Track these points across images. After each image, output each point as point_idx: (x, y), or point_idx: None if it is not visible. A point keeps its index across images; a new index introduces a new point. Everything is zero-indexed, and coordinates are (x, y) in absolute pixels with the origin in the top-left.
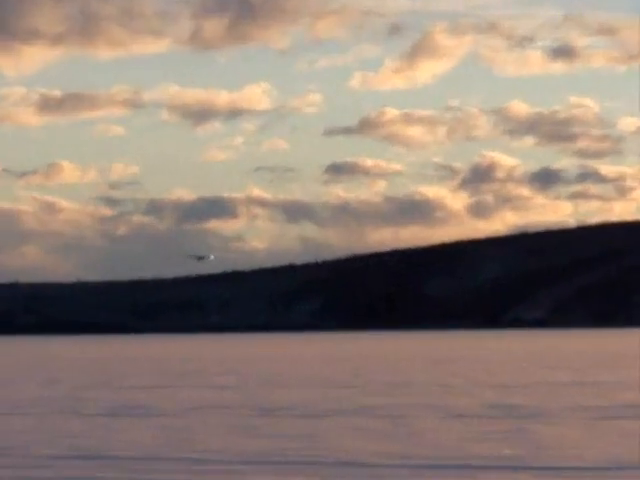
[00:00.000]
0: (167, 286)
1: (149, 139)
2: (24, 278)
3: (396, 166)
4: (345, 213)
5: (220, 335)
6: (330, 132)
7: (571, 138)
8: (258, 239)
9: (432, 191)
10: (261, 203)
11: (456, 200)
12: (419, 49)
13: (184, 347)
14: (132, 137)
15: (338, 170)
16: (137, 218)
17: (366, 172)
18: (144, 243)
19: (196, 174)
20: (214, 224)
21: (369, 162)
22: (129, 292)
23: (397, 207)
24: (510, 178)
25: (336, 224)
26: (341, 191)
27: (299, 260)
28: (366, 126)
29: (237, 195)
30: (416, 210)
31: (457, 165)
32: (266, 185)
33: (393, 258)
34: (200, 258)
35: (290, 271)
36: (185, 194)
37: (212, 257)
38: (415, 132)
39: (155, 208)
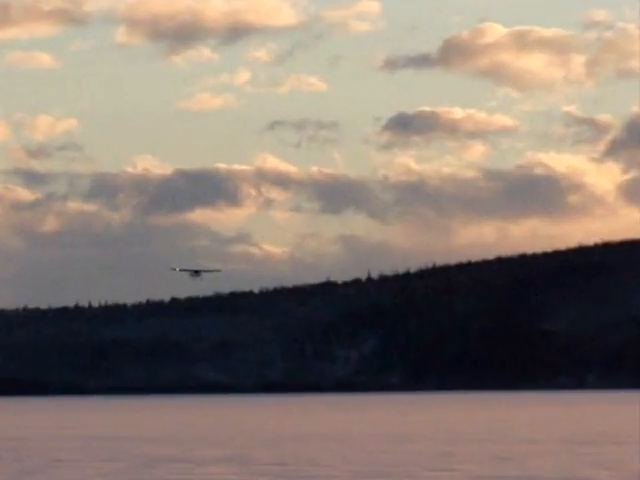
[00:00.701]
0: (127, 319)
1: (96, 75)
2: None
3: (503, 120)
4: (418, 197)
5: (212, 398)
6: (394, 64)
7: None
8: (274, 240)
9: (563, 161)
10: (280, 181)
11: (603, 175)
12: None
13: (153, 418)
14: (68, 71)
15: (406, 126)
16: (75, 205)
17: (453, 129)
18: (88, 247)
19: (173, 133)
20: (202, 215)
21: (458, 113)
22: (65, 328)
23: (504, 187)
24: None
25: (403, 215)
26: (411, 161)
27: (342, 275)
28: (453, 54)
29: (240, 167)
30: (536, 192)
31: (604, 118)
32: (288, 151)
33: (497, 272)
34: (196, 273)
35: (327, 292)
36: (154, 166)
37: (220, 269)
38: (534, 63)
39: (105, 189)
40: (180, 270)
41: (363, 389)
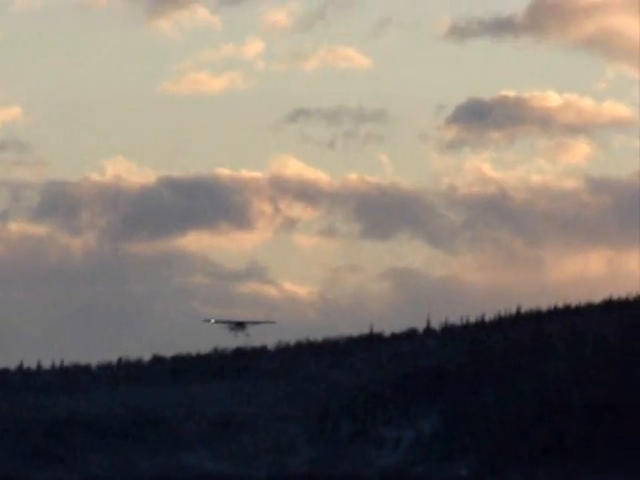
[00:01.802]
0: (91, 386)
1: (48, 46)
2: None
3: (616, 109)
4: (497, 216)
5: None
6: (463, 31)
7: None
8: (298, 275)
9: None
10: (305, 193)
11: None
12: None
13: None
14: (9, 41)
15: (481, 117)
16: (19, 227)
17: (546, 122)
18: (37, 284)
19: (156, 126)
20: (197, 241)
21: (553, 99)
22: (5, 400)
23: (617, 202)
24: None
25: (476, 242)
26: (488, 165)
27: (391, 324)
28: (546, 16)
29: (250, 175)
30: None
31: None
32: (317, 152)
33: (607, 321)
34: (239, 326)
35: (371, 349)
36: (131, 172)
37: (274, 321)
38: None
39: (61, 204)
40: (215, 322)
41: None
